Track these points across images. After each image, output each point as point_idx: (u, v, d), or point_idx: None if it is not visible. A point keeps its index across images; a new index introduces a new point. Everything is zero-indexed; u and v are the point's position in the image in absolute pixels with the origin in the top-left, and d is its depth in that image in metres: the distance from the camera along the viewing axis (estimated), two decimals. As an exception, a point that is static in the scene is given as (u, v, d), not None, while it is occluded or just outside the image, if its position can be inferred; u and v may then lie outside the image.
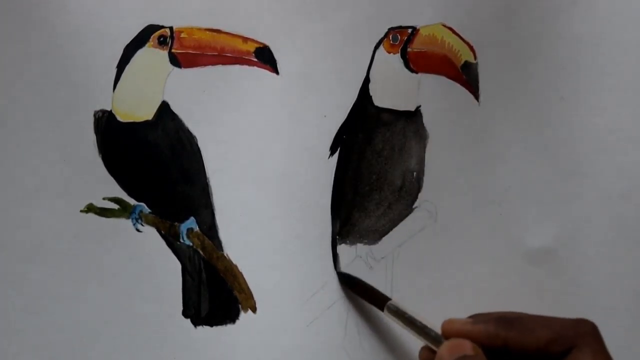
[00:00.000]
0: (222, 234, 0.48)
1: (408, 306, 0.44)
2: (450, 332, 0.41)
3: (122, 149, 0.47)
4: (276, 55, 0.48)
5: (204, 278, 0.48)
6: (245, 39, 0.48)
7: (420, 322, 0.42)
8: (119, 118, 0.47)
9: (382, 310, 0.45)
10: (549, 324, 0.40)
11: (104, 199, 0.47)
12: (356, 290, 0.48)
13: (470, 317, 0.42)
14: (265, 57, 0.48)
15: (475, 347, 0.39)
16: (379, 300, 0.45)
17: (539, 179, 0.51)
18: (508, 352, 0.39)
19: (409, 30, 0.49)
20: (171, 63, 0.47)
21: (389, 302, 0.44)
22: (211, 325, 0.48)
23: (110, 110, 0.46)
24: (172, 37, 0.47)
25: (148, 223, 0.47)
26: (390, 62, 0.50)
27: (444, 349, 0.40)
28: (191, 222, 0.48)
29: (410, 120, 0.50)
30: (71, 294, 0.46)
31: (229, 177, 0.48)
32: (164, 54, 0.47)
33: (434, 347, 0.41)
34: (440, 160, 0.50)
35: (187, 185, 0.48)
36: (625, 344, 0.51)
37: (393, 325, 0.48)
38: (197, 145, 0.48)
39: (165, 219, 0.48)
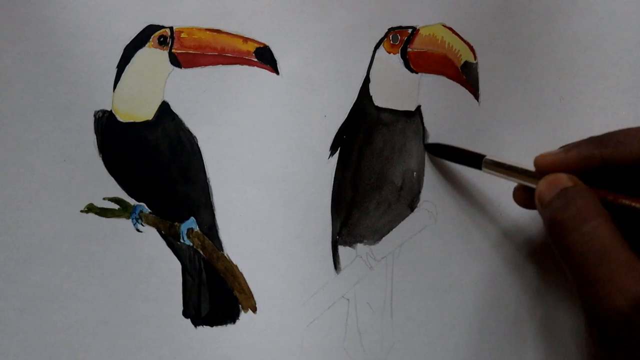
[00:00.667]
0: (222, 234, 0.48)
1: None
2: (545, 165, 0.40)
3: (122, 149, 0.47)
4: (276, 55, 0.48)
5: (204, 278, 0.48)
6: (245, 39, 0.48)
7: (518, 167, 0.43)
8: (119, 118, 0.47)
9: (480, 168, 0.46)
10: None
11: (104, 199, 0.47)
12: (447, 155, 0.49)
13: (560, 147, 0.41)
14: (265, 57, 0.48)
15: (572, 177, 0.38)
16: (474, 159, 0.46)
17: (539, 179, 0.51)
18: (607, 172, 0.38)
19: (409, 30, 0.49)
20: (171, 63, 0.47)
21: (485, 157, 0.45)
22: (211, 325, 0.48)
23: (110, 110, 0.46)
24: (172, 37, 0.47)
25: (148, 223, 0.47)
26: (390, 62, 0.50)
27: (542, 186, 0.39)
28: (191, 222, 0.48)
29: (410, 120, 0.50)
30: (71, 294, 0.46)
31: (229, 177, 0.48)
32: (164, 54, 0.47)
33: (533, 186, 0.41)
34: (440, 160, 0.50)
35: (187, 185, 0.48)
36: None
37: (393, 324, 0.49)
38: (197, 145, 0.48)
39: (165, 219, 0.48)
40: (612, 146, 0.39)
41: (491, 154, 0.46)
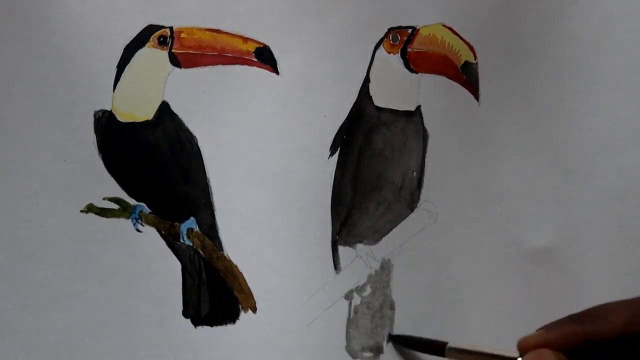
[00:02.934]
0: (222, 234, 0.48)
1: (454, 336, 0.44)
2: (528, 347, 0.40)
3: (122, 149, 0.47)
4: (276, 55, 0.48)
5: (204, 278, 0.48)
6: (245, 39, 0.47)
7: (490, 352, 0.42)
8: (119, 118, 0.47)
9: (444, 355, 0.45)
10: (621, 307, 0.39)
11: (104, 199, 0.47)
12: (410, 346, 0.48)
13: (540, 328, 0.41)
14: (265, 57, 0.48)
15: (556, 353, 0.38)
16: (437, 347, 0.45)
17: (539, 179, 0.51)
18: (592, 348, 0.38)
19: (409, 30, 0.49)
20: (171, 63, 0.47)
21: (448, 345, 0.44)
22: (211, 325, 0.48)
23: (110, 110, 0.46)
24: (172, 37, 0.47)
25: (148, 223, 0.47)
26: (390, 62, 0.50)
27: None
28: (191, 222, 0.48)
29: (410, 120, 0.50)
30: (71, 294, 0.46)
31: (229, 177, 0.48)
32: (164, 54, 0.47)
33: None
34: (440, 160, 0.50)
35: (187, 185, 0.48)
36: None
37: (393, 324, 0.49)
38: (197, 145, 0.48)
39: (165, 219, 0.48)
40: (593, 322, 0.38)
41: (455, 342, 0.44)
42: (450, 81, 0.50)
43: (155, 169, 0.47)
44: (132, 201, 0.47)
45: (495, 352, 0.42)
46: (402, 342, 0.49)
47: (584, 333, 0.38)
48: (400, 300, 0.50)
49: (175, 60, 0.47)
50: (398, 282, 0.50)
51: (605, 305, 0.39)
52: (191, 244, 0.48)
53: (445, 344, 0.45)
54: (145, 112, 0.47)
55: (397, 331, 0.50)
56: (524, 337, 0.40)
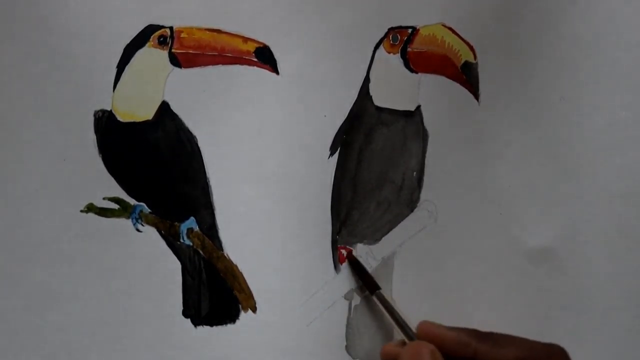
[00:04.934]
0: (222, 234, 0.48)
1: (408, 304, 0.46)
2: (424, 332, 0.42)
3: (122, 149, 0.47)
4: (276, 55, 0.48)
5: (204, 278, 0.48)
6: (245, 39, 0.48)
7: (402, 318, 0.45)
8: (119, 118, 0.47)
9: (372, 294, 0.47)
10: (520, 343, 0.41)
11: (104, 199, 0.47)
12: (357, 272, 0.49)
13: (448, 326, 0.43)
14: (265, 57, 0.48)
15: (435, 353, 0.40)
16: (372, 285, 0.48)
17: (539, 179, 0.51)
18: None
19: (409, 30, 0.49)
20: (171, 63, 0.47)
21: (378, 291, 0.47)
22: (211, 325, 0.48)
23: (110, 110, 0.46)
24: (172, 37, 0.47)
25: (148, 223, 0.47)
26: (390, 62, 0.50)
27: (405, 353, 0.41)
28: (191, 222, 0.48)
29: (410, 120, 0.50)
30: (71, 293, 0.46)
31: (229, 177, 0.48)
32: (164, 53, 0.47)
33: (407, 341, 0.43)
34: (440, 160, 0.50)
35: (187, 185, 0.48)
36: (625, 344, 0.52)
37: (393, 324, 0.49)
38: (197, 145, 0.48)
39: (165, 219, 0.48)
40: (489, 344, 0.40)
41: (383, 291, 0.47)
42: (450, 81, 0.50)
43: (155, 169, 0.47)
44: (132, 201, 0.47)
45: (403, 321, 0.44)
46: (354, 266, 0.50)
47: (477, 349, 0.40)
48: (400, 300, 0.50)
49: (175, 60, 0.47)
50: (398, 282, 0.50)
51: (509, 336, 0.41)
52: (191, 244, 0.48)
53: (378, 288, 0.47)
54: (145, 112, 0.47)
55: (398, 331, 0.50)
56: (427, 321, 0.43)
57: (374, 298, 0.47)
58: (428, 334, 0.42)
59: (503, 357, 0.40)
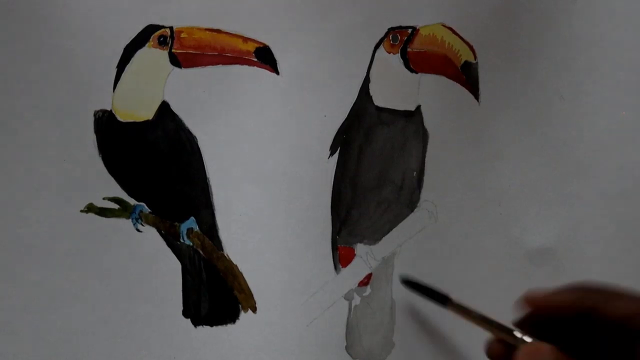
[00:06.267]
0: (222, 234, 0.48)
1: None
2: (533, 304, 0.39)
3: (122, 149, 0.47)
4: (276, 55, 0.48)
5: (204, 278, 0.48)
6: (245, 39, 0.48)
7: (488, 317, 0.42)
8: (119, 118, 0.47)
9: (446, 306, 0.45)
10: (631, 299, 0.38)
11: (104, 199, 0.47)
12: (417, 290, 0.48)
13: (552, 289, 0.40)
14: (265, 57, 0.48)
15: (555, 351, 0.37)
16: (440, 298, 0.46)
17: (539, 179, 0.51)
18: (589, 324, 0.37)
19: (409, 30, 0.49)
20: (171, 63, 0.47)
21: (451, 299, 0.45)
22: (211, 325, 0.48)
23: (110, 110, 0.46)
24: (172, 37, 0.47)
25: (148, 223, 0.47)
26: (390, 62, 0.50)
27: (521, 355, 0.38)
28: (191, 222, 0.48)
29: (410, 120, 0.50)
30: (71, 293, 0.46)
31: (229, 177, 0.48)
32: (164, 54, 0.47)
33: (510, 340, 0.40)
34: (440, 160, 0.50)
35: (187, 185, 0.48)
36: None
37: (393, 324, 0.49)
38: (197, 145, 0.48)
39: (165, 219, 0.48)
40: (605, 297, 0.38)
41: (458, 298, 0.45)
42: (450, 81, 0.50)
43: (155, 169, 0.47)
44: (132, 201, 0.47)
45: (494, 319, 0.41)
46: (411, 286, 0.48)
47: (594, 304, 0.38)
48: (400, 300, 0.50)
49: (175, 60, 0.47)
50: (398, 282, 0.50)
51: (624, 290, 0.38)
52: (191, 244, 0.48)
53: (447, 297, 0.45)
54: (145, 112, 0.47)
55: (398, 331, 0.50)
56: (531, 290, 0.40)
57: (449, 309, 0.45)
58: (536, 304, 0.39)
59: (621, 311, 0.37)
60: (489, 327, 0.42)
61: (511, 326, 0.40)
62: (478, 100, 0.51)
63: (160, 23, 0.47)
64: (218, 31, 0.47)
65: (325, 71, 0.49)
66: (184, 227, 0.48)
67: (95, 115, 0.46)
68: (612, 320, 0.37)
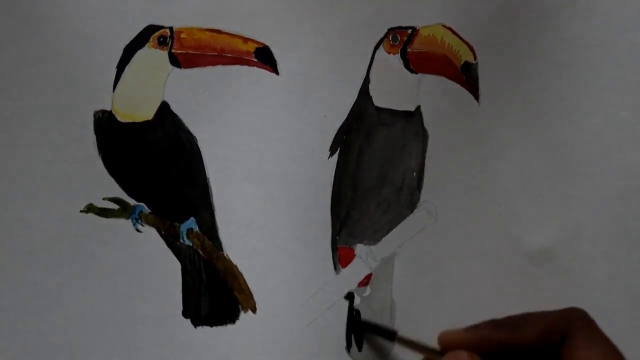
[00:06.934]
0: (222, 234, 0.48)
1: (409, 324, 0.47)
2: (447, 343, 0.41)
3: (122, 149, 0.47)
4: (276, 55, 0.48)
5: (204, 278, 0.48)
6: (245, 39, 0.48)
7: (423, 343, 0.44)
8: (119, 118, 0.47)
9: (393, 341, 0.46)
10: (539, 318, 0.40)
11: (104, 199, 0.47)
12: (368, 329, 0.49)
13: (463, 328, 0.42)
14: (265, 57, 0.48)
15: (472, 355, 0.39)
16: (389, 333, 0.47)
17: (539, 179, 0.51)
18: (508, 354, 0.39)
19: (409, 31, 0.49)
20: (171, 63, 0.47)
21: (397, 334, 0.46)
22: (211, 325, 0.48)
23: (110, 111, 0.46)
24: (172, 37, 0.47)
25: (148, 223, 0.47)
26: (390, 63, 0.50)
27: None
28: (191, 222, 0.48)
29: (410, 121, 0.50)
30: (71, 294, 0.46)
31: (229, 177, 0.48)
32: (164, 54, 0.47)
33: None
34: (440, 160, 0.50)
35: (187, 185, 0.48)
36: (625, 344, 0.51)
37: (393, 324, 0.49)
38: (197, 145, 0.48)
39: (165, 219, 0.48)
40: (510, 330, 0.40)
41: (403, 332, 0.46)
42: (450, 81, 0.50)
43: (155, 169, 0.47)
44: (132, 201, 0.47)
45: (430, 346, 0.43)
46: (365, 328, 0.49)
47: (500, 339, 0.39)
48: (400, 300, 0.50)
49: (175, 61, 0.47)
50: (398, 282, 0.50)
51: (524, 315, 0.40)
52: (191, 244, 0.48)
53: (395, 332, 0.46)
54: (145, 112, 0.47)
55: (397, 332, 0.50)
56: (445, 331, 0.42)
57: (396, 344, 0.46)
58: (451, 343, 0.41)
59: (528, 336, 0.39)
60: (423, 351, 0.44)
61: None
62: (478, 101, 0.51)
63: (160, 23, 0.47)
64: (218, 31, 0.47)
65: (325, 71, 0.49)
66: (183, 228, 0.48)
67: (95, 115, 0.46)
68: (530, 344, 0.39)
